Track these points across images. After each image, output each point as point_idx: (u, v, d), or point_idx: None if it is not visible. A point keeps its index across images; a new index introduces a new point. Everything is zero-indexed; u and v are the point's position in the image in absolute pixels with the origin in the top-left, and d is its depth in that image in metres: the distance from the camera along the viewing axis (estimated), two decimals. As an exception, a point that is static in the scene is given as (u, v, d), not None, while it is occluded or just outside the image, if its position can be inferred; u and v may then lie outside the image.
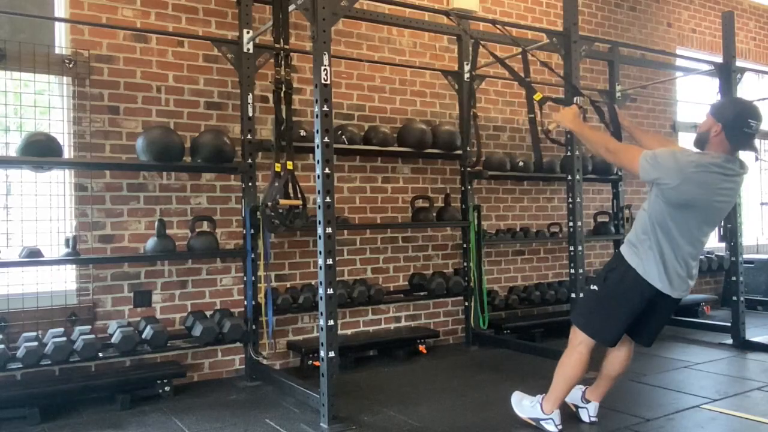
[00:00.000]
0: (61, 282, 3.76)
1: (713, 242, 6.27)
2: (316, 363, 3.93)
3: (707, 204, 2.69)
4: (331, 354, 3.09)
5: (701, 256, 6.37)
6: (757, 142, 6.78)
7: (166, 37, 4.08)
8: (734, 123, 2.62)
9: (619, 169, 5.67)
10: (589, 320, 2.96)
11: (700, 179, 2.62)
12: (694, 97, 7.01)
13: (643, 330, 2.99)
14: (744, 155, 2.82)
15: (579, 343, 2.96)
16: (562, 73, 4.24)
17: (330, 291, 3.10)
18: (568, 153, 4.22)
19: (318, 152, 3.14)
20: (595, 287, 2.97)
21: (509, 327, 5.14)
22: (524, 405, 3.15)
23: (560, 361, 3.04)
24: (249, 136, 4.06)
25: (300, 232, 4.43)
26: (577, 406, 3.20)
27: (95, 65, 3.86)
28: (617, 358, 3.08)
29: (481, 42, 4.71)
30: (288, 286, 4.43)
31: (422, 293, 4.90)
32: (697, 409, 3.33)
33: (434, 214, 4.93)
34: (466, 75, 5.04)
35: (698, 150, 2.76)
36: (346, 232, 4.67)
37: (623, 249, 2.91)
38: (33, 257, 3.43)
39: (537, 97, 3.67)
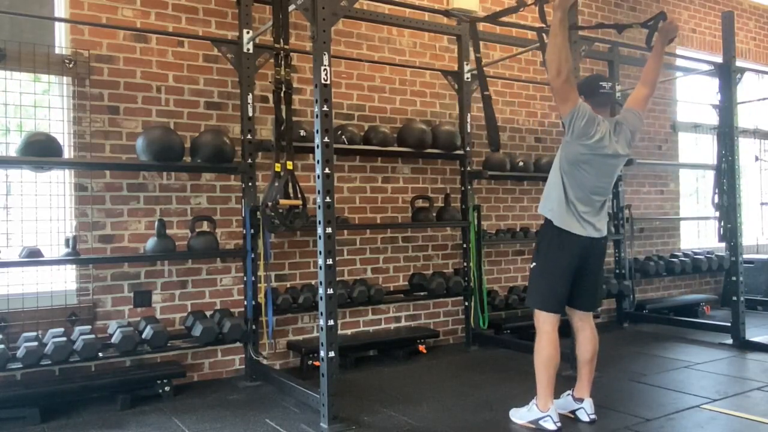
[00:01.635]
0: (61, 282, 3.76)
1: (713, 242, 6.26)
2: (316, 363, 3.93)
3: (600, 161, 3.04)
4: (331, 354, 3.09)
5: (696, 254, 6.45)
6: (752, 141, 6.87)
7: (166, 37, 4.08)
8: (591, 90, 3.10)
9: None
10: (536, 295, 3.14)
11: (593, 139, 2.97)
12: (694, 97, 7.01)
13: (582, 294, 3.15)
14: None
15: (542, 323, 3.10)
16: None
17: (330, 291, 3.10)
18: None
19: (318, 152, 3.14)
20: (534, 263, 3.17)
21: (509, 327, 5.15)
22: (521, 413, 3.16)
23: (534, 350, 3.12)
24: (249, 136, 4.07)
25: (300, 232, 4.43)
26: (573, 410, 3.20)
27: (95, 65, 3.86)
28: (584, 338, 3.21)
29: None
30: (288, 286, 4.43)
31: (422, 293, 4.90)
32: (697, 409, 3.33)
33: (434, 214, 4.93)
34: (467, 76, 5.04)
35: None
36: (346, 232, 4.67)
37: (540, 210, 3.18)
38: (33, 257, 3.43)
39: None
